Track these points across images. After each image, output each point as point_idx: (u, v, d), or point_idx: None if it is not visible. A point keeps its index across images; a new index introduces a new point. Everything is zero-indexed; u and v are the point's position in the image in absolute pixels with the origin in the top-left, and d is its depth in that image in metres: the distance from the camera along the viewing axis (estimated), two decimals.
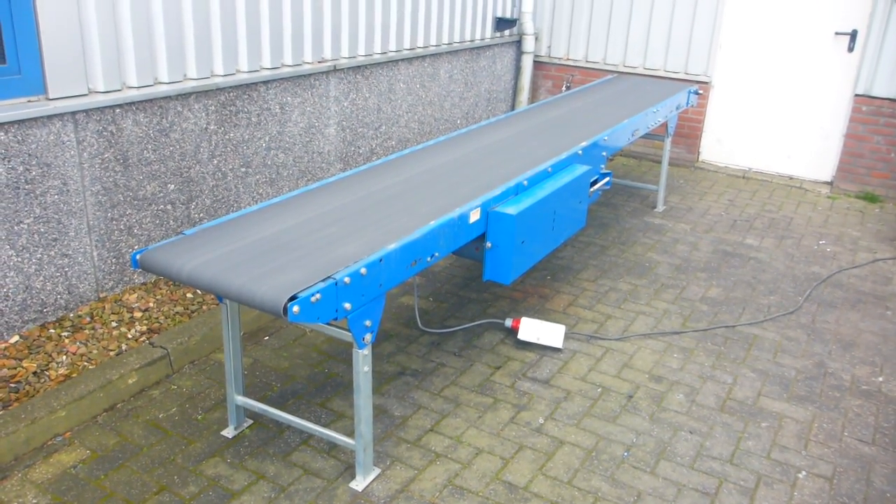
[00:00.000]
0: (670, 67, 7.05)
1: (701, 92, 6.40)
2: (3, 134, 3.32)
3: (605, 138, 4.35)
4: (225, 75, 4.36)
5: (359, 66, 5.42)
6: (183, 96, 4.11)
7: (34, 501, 2.75)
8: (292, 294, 2.33)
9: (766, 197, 6.47)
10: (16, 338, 3.55)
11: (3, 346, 3.48)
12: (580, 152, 4.05)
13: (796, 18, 6.51)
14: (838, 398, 3.61)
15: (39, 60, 3.46)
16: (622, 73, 7.22)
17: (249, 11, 4.42)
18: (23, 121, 3.38)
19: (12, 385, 3.22)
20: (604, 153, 4.36)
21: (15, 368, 3.32)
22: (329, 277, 2.46)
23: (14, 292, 3.52)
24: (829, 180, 6.74)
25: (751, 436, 3.31)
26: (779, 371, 3.82)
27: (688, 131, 7.18)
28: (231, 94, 4.41)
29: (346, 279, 2.48)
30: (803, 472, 3.10)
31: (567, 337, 4.05)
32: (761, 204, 6.29)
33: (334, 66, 5.14)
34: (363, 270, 2.55)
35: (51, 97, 3.52)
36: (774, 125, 6.84)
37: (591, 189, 4.15)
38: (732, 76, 6.91)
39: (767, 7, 6.60)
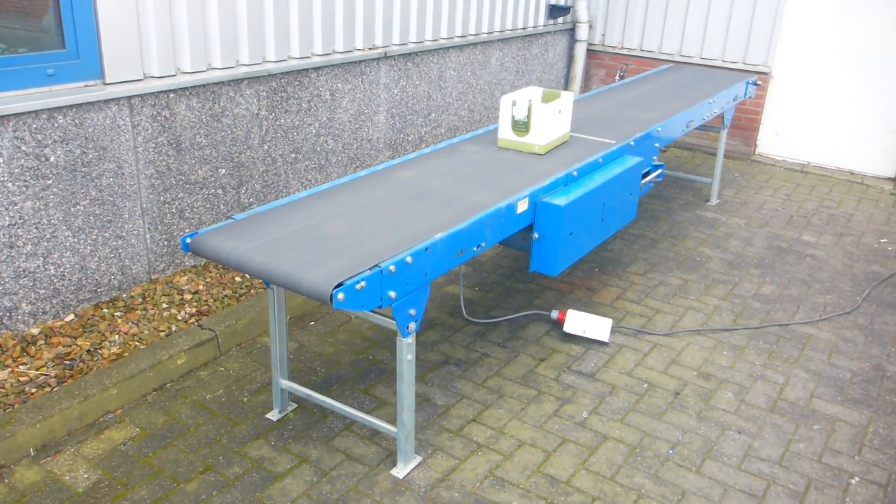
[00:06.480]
0: (728, 57, 6.87)
1: (760, 83, 6.22)
2: (61, 117, 3.40)
3: (659, 129, 4.26)
4: (277, 61, 4.39)
5: (409, 53, 5.40)
6: (235, 82, 4.15)
7: (85, 476, 2.82)
8: (338, 282, 2.34)
9: (825, 192, 6.27)
10: (71, 316, 3.65)
11: (59, 324, 3.58)
12: (632, 143, 3.97)
13: (863, 9, 6.28)
14: None
15: (97, 46, 3.53)
16: (678, 62, 7.06)
17: None
18: (80, 105, 3.46)
19: (67, 362, 3.31)
20: (656, 144, 4.27)
21: (70, 346, 3.42)
22: (375, 266, 2.46)
23: (70, 272, 3.61)
24: (893, 176, 6.50)
25: (802, 438, 3.22)
26: (833, 372, 3.71)
27: (745, 123, 6.99)
28: (282, 80, 4.44)
29: (392, 268, 2.48)
30: (856, 478, 3.00)
31: (614, 331, 3.99)
32: (820, 199, 6.10)
33: (385, 53, 5.14)
34: (408, 259, 2.54)
35: (107, 82, 3.59)
36: (836, 118, 6.62)
37: (643, 181, 4.07)
38: (794, 67, 6.70)
39: None
